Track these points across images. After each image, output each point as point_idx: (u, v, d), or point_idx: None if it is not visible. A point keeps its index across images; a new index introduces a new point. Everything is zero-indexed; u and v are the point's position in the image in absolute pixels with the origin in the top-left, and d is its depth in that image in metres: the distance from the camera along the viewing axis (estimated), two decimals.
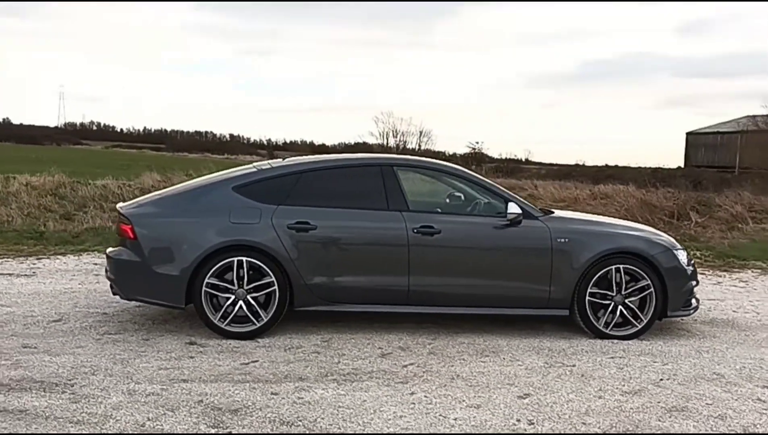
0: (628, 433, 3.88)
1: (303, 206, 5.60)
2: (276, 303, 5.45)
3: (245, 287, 5.41)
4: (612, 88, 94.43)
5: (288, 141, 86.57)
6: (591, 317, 5.68)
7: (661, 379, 4.78)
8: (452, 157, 55.48)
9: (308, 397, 4.26)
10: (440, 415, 4.05)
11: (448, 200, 6.01)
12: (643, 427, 3.96)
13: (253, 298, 5.43)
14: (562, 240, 5.66)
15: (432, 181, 6.17)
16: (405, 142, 59.90)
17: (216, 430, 3.76)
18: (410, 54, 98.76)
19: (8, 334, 5.43)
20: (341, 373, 4.74)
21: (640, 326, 5.72)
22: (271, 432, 3.75)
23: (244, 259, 5.41)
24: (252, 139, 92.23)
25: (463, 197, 5.95)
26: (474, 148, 54.14)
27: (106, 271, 5.83)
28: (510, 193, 5.94)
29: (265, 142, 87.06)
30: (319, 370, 4.77)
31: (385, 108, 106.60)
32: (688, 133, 47.69)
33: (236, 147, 77.95)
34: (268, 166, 5.98)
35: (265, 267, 5.41)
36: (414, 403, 4.22)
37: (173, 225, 5.54)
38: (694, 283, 5.95)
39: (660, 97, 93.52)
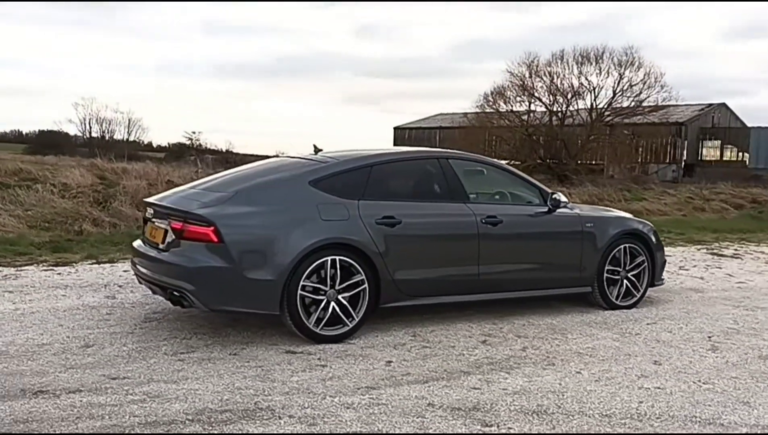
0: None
1: (380, 201, 5.49)
2: (366, 302, 5.28)
3: (336, 287, 5.16)
4: (304, 82, 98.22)
5: None
6: (607, 291, 6.49)
7: (711, 333, 5.76)
8: (169, 148, 53.22)
9: (506, 385, 4.36)
10: (619, 386, 4.47)
11: (493, 192, 6.32)
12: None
13: (344, 298, 5.19)
14: (590, 224, 6.38)
15: (472, 174, 6.41)
16: (112, 131, 55.69)
17: (487, 429, 3.72)
18: (105, 38, 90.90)
19: (68, 366, 4.46)
20: (490, 362, 4.86)
21: (638, 296, 6.70)
22: (526, 421, 3.84)
23: (337, 258, 5.15)
24: None
25: (504, 189, 6.32)
26: (191, 139, 52.62)
27: (158, 285, 5.07)
28: (537, 182, 6.47)
29: None
30: (466, 363, 4.83)
31: (85, 94, 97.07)
32: (395, 128, 52.18)
33: None
34: (331, 159, 5.67)
35: (356, 265, 5.21)
36: (594, 381, 4.56)
37: (264, 225, 5.04)
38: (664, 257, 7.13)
39: (346, 93, 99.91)
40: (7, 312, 5.77)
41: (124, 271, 7.85)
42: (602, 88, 34.71)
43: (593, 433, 3.71)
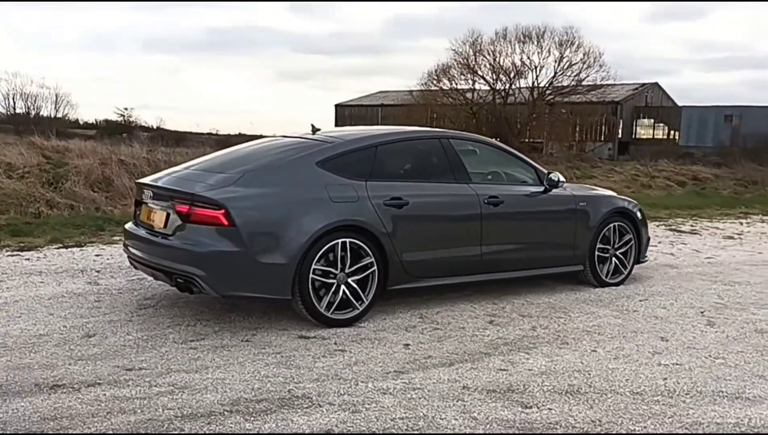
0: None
1: (386, 181, 5.39)
2: (375, 284, 5.20)
3: (346, 270, 5.05)
4: (237, 58, 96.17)
5: None
6: (597, 269, 6.59)
7: (702, 308, 5.92)
8: (98, 125, 51.30)
9: (530, 366, 4.36)
10: (638, 363, 4.55)
11: (489, 171, 6.28)
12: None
13: (354, 281, 5.10)
14: (583, 204, 6.44)
15: (468, 154, 6.35)
16: (38, 107, 53.38)
17: (528, 410, 3.72)
18: (24, 10, 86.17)
19: (76, 358, 4.24)
20: (505, 343, 4.86)
21: (626, 273, 6.83)
22: (563, 401, 3.86)
23: (347, 240, 5.04)
24: None
25: (500, 168, 6.29)
26: (123, 115, 50.82)
27: (161, 270, 4.87)
28: (532, 161, 6.48)
29: None
30: (482, 343, 4.82)
31: (7, 68, 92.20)
32: (337, 106, 51.79)
33: None
34: (336, 139, 5.52)
35: (365, 247, 5.11)
36: (612, 359, 4.62)
37: (276, 207, 4.87)
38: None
39: (281, 69, 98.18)
40: None
41: (97, 255, 7.54)
42: (543, 67, 35.34)
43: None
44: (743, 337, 5.19)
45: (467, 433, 3.40)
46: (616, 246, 6.71)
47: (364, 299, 5.15)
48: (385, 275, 5.24)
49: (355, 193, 5.15)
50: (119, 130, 42.74)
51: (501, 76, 34.99)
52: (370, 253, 5.14)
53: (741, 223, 12.75)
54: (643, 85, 44.16)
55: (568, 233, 6.37)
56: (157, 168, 11.71)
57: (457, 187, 5.72)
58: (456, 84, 34.95)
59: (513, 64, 35.02)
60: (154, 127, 48.12)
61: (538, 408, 3.73)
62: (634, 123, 43.66)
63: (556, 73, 34.94)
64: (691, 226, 12.04)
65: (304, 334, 4.87)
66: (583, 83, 35.61)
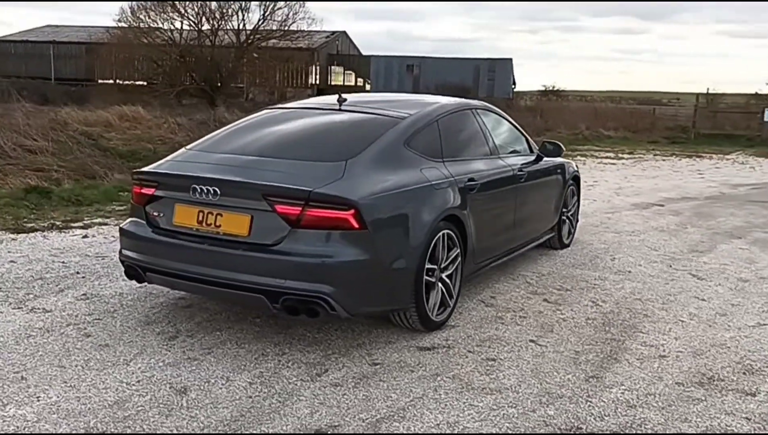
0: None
1: (456, 161, 4.81)
2: (459, 277, 4.66)
3: (440, 266, 4.44)
4: None
5: None
6: (563, 233, 6.77)
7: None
8: None
9: (670, 348, 4.34)
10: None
11: (502, 142, 5.86)
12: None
13: (447, 276, 4.51)
14: (559, 171, 6.51)
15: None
16: None
17: (752, 398, 3.73)
18: None
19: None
20: (622, 325, 4.72)
21: (574, 232, 7.13)
22: (754, 382, 3.95)
23: (446, 231, 4.41)
24: None
25: (506, 139, 5.95)
26: None
27: (254, 291, 3.74)
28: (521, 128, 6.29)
29: None
30: (611, 330, 4.64)
31: None
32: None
33: None
34: (401, 111, 4.67)
35: (454, 237, 4.53)
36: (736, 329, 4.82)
37: (395, 200, 4.04)
38: None
39: None
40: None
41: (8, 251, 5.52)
42: (249, 10, 34.32)
43: None
44: None
45: None
46: (570, 207, 6.94)
47: (454, 295, 4.60)
48: (463, 266, 4.73)
49: (444, 176, 4.51)
50: None
51: (207, 16, 33.06)
52: (457, 243, 4.57)
53: None
54: (334, 33, 45.57)
55: (555, 201, 6.41)
56: None
57: (498, 163, 5.35)
58: (160, 23, 32.13)
59: (219, 5, 33.32)
60: None
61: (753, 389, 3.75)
62: (329, 70, 45.04)
63: (264, 17, 34.18)
64: None
65: (419, 345, 4.20)
66: (288, 29, 35.50)
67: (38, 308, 4.61)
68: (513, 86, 42.19)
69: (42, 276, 5.35)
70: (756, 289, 5.77)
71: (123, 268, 4.37)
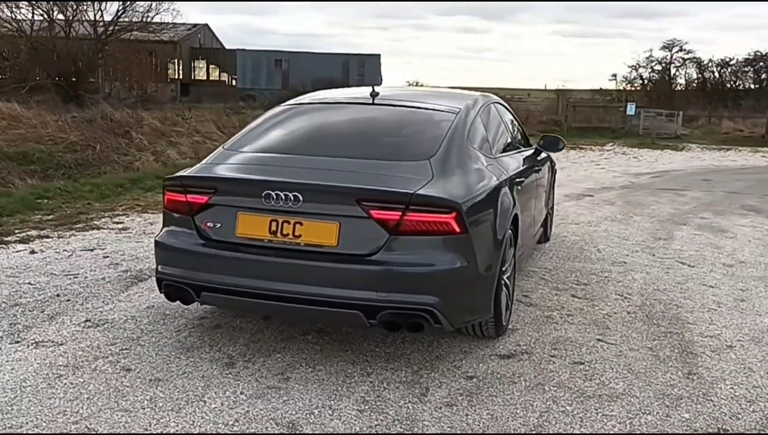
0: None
1: (503, 156, 4.60)
2: (514, 277, 4.45)
3: (507, 267, 4.22)
4: None
5: None
6: (548, 226, 6.75)
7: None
8: None
9: (721, 340, 4.39)
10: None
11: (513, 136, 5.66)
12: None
13: (507, 277, 4.28)
14: (549, 163, 6.45)
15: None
16: None
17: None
18: None
19: None
20: (672, 317, 4.72)
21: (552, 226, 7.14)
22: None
23: (510, 230, 4.18)
24: None
25: (510, 132, 5.77)
26: None
27: (347, 306, 3.32)
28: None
29: None
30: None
31: None
32: None
33: None
34: (449, 104, 4.35)
35: (513, 236, 4.32)
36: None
37: (482, 202, 3.74)
38: None
39: None
40: None
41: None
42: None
43: None
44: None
45: None
46: (551, 201, 6.94)
47: (512, 297, 4.39)
48: (515, 265, 4.52)
49: (502, 172, 4.27)
50: None
51: (60, 6, 30.49)
52: (514, 243, 4.37)
53: None
54: (195, 26, 43.75)
55: (547, 193, 6.37)
56: None
57: (519, 158, 5.17)
58: (5, 11, 29.18)
59: None
60: None
61: None
62: (192, 64, 43.19)
63: (125, 8, 32.05)
64: None
65: (500, 353, 3.95)
66: (149, 21, 33.58)
67: (44, 342, 3.89)
68: (381, 82, 42.60)
69: (16, 302, 4.56)
70: (746, 272, 6.02)
71: (161, 288, 3.76)
